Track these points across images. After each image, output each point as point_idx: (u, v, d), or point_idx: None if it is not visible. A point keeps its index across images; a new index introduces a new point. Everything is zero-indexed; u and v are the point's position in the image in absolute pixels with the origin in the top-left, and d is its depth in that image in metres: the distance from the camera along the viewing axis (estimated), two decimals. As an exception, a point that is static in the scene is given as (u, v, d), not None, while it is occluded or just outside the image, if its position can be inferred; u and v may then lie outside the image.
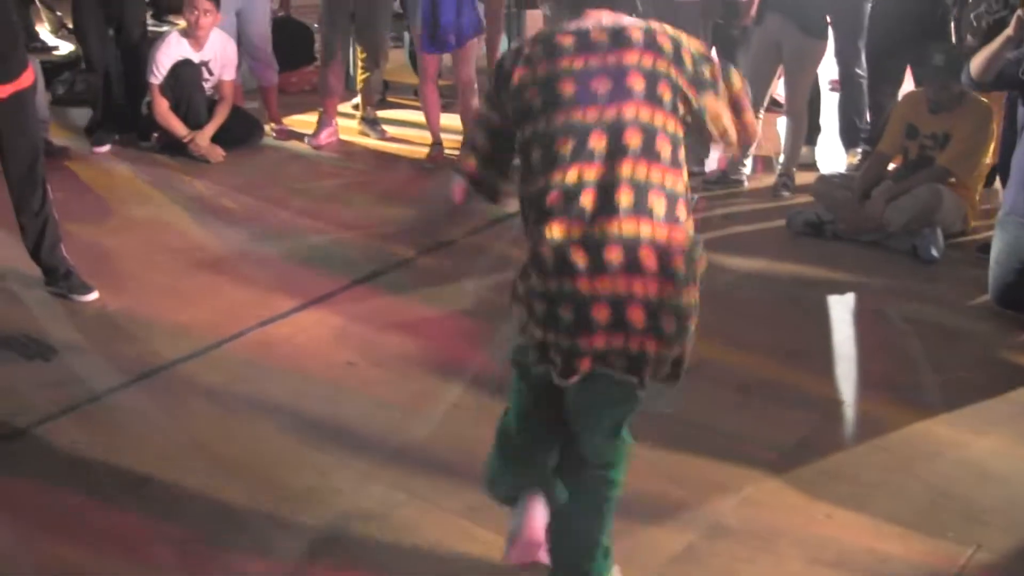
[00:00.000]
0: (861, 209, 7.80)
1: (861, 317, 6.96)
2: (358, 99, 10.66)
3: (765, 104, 8.93)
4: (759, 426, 5.57)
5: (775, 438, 5.45)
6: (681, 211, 3.69)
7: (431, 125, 9.74)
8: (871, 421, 5.66)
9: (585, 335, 3.66)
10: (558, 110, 3.63)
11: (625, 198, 3.57)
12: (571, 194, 3.58)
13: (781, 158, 8.93)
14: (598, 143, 3.59)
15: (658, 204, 3.62)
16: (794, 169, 8.82)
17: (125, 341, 6.44)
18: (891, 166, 8.11)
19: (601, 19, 3.72)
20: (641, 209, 3.59)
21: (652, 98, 3.64)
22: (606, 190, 3.57)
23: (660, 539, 4.73)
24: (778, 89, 9.37)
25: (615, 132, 3.59)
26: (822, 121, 9.64)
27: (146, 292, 7.02)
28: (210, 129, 9.64)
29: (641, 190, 3.59)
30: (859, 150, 9.22)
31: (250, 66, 10.51)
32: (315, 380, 6.00)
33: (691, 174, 8.72)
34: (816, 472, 5.18)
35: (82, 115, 10.33)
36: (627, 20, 3.75)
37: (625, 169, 3.58)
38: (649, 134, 3.62)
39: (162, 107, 9.55)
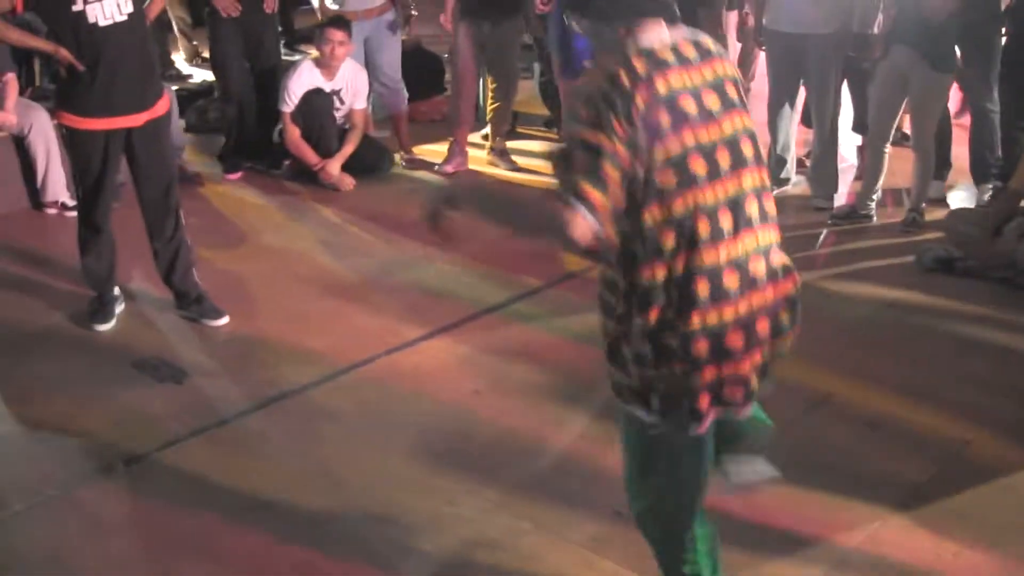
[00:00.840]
0: (992, 245, 7.69)
1: (991, 355, 6.85)
2: (488, 129, 10.68)
3: (892, 137, 8.85)
4: (887, 462, 5.50)
5: (903, 475, 5.38)
6: None
7: None
8: (1001, 462, 5.56)
9: (752, 353, 3.63)
10: (684, 129, 3.47)
11: (754, 209, 3.56)
12: (714, 217, 3.49)
13: (911, 193, 8.82)
14: (724, 159, 3.52)
15: (770, 206, 3.65)
16: (923, 204, 8.71)
17: (254, 366, 6.50)
18: (1023, 203, 8.00)
19: (663, 30, 3.60)
20: (765, 216, 3.62)
21: (742, 104, 3.64)
22: (738, 205, 3.53)
23: (785, 574, 4.69)
24: (907, 123, 9.28)
25: (734, 145, 3.55)
26: (952, 155, 9.53)
27: (275, 318, 7.09)
28: (340, 157, 9.71)
29: (760, 197, 3.60)
30: (990, 186, 9.09)
31: (380, 93, 10.59)
32: (442, 408, 6.02)
33: (819, 209, 8.73)
34: (944, 511, 5.10)
35: (215, 142, 10.45)
36: (687, 30, 3.68)
37: (747, 180, 3.56)
38: (753, 140, 3.62)
39: (293, 135, 9.64)
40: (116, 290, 7.13)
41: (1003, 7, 9.25)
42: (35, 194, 9.07)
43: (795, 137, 9.48)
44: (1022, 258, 7.52)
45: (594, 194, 3.36)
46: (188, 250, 6.99)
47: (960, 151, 9.49)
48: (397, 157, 10.43)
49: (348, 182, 9.66)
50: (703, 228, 3.46)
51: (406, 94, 10.60)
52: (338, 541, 4.91)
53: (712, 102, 3.53)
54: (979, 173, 9.29)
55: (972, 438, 5.85)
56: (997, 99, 9.03)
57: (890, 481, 5.31)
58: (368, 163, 9.94)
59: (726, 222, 3.49)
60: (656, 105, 3.41)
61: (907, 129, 9.40)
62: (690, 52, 3.57)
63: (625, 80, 3.42)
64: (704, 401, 3.59)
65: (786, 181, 9.43)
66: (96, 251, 6.95)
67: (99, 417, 5.93)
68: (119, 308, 7.11)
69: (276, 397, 6.11)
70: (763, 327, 3.62)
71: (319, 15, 10.56)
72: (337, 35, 9.54)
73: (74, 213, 7.46)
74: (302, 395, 6.15)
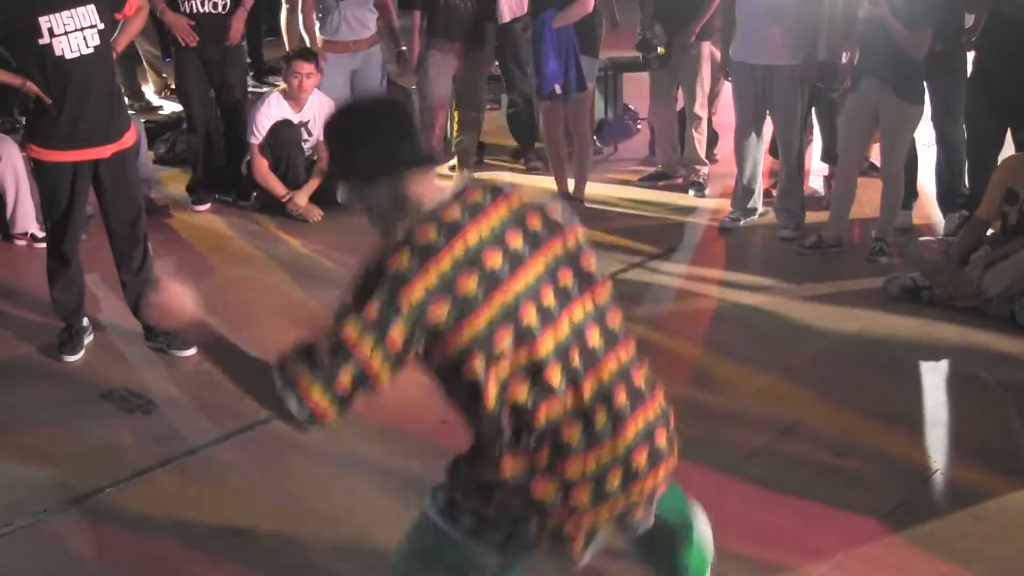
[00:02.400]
0: (959, 275, 7.73)
1: (958, 383, 6.91)
2: (455, 161, 10.72)
3: (861, 168, 8.93)
4: (854, 491, 5.53)
5: (870, 503, 5.41)
6: None
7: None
8: (968, 489, 5.60)
9: (635, 484, 3.51)
10: (493, 292, 3.33)
11: (595, 337, 3.55)
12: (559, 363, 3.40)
13: (878, 222, 8.86)
14: (548, 299, 3.45)
15: (615, 322, 3.72)
16: (890, 233, 8.76)
17: (222, 396, 6.46)
18: (989, 232, 8.04)
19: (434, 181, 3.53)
20: (613, 338, 3.64)
21: (554, 228, 3.64)
22: (580, 339, 3.49)
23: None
24: (874, 153, 9.34)
25: (554, 281, 3.51)
26: (919, 186, 9.58)
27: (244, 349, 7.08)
28: (308, 188, 9.73)
29: (601, 321, 3.63)
30: (957, 215, 9.14)
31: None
32: (409, 438, 6.04)
33: (786, 240, 8.78)
34: (911, 539, 5.14)
35: (183, 174, 10.46)
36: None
37: (577, 313, 3.53)
38: (574, 266, 3.65)
39: (261, 167, 9.67)
40: (85, 321, 7.15)
41: (966, 37, 9.32)
42: (4, 225, 9.06)
43: (762, 168, 9.54)
44: (988, 287, 7.56)
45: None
46: (155, 282, 7.00)
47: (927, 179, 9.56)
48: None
49: (316, 213, 9.68)
50: (551, 378, 3.35)
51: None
52: (306, 572, 4.93)
53: (516, 242, 3.40)
54: (946, 203, 9.34)
55: (939, 466, 5.89)
56: (964, 128, 9.09)
57: (857, 509, 5.34)
58: (336, 194, 9.93)
59: (574, 362, 3.41)
60: (444, 286, 3.26)
61: (875, 159, 9.46)
62: (478, 197, 3.44)
63: (404, 263, 3.30)
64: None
65: (753, 211, 9.49)
66: (65, 282, 6.96)
67: (68, 447, 5.94)
68: (88, 339, 7.12)
69: (244, 428, 6.12)
70: (642, 459, 3.52)
71: (286, 46, 10.59)
72: (305, 67, 9.58)
73: (43, 244, 7.48)
74: (270, 426, 6.12)
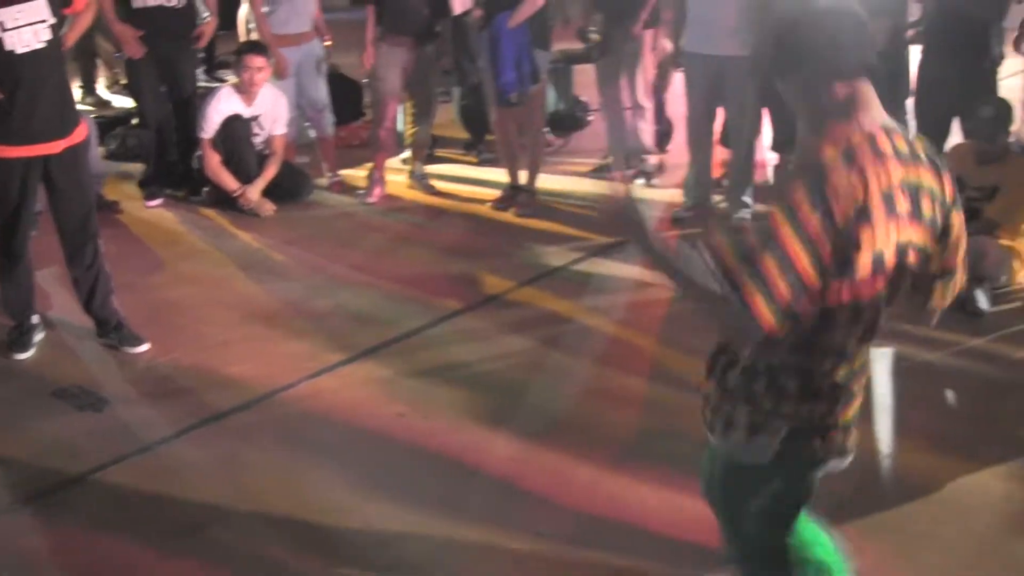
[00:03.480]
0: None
1: (910, 370, 6.93)
2: (407, 154, 10.71)
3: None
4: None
5: (820, 490, 5.42)
6: None
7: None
8: (920, 474, 5.63)
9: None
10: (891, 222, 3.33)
11: None
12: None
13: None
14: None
15: None
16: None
17: (176, 393, 6.49)
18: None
19: (876, 103, 3.45)
20: None
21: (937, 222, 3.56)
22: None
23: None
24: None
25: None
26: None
27: (197, 344, 7.07)
28: (260, 183, 9.72)
29: None
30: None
31: (309, 118, 10.60)
32: (365, 432, 6.02)
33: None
34: (863, 525, 5.14)
35: (135, 170, 10.43)
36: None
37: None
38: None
39: (213, 161, 9.64)
40: (35, 318, 7.09)
41: (910, 33, 9.38)
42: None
43: (712, 157, 9.56)
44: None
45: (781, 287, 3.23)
46: (107, 278, 6.97)
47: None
48: (323, 178, 10.46)
49: (268, 208, 9.67)
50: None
51: (333, 118, 10.61)
52: (263, 566, 4.91)
53: (927, 208, 3.41)
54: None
55: (892, 452, 5.92)
56: (911, 119, 9.13)
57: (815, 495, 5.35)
58: (288, 189, 9.94)
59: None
60: (871, 208, 3.25)
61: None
62: (903, 146, 3.38)
63: (841, 179, 3.24)
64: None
65: (705, 201, 9.51)
66: (14, 280, 6.91)
67: (19, 446, 5.89)
68: (38, 337, 7.07)
69: (198, 423, 6.09)
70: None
71: (246, 37, 10.57)
72: (256, 61, 9.56)
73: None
74: (225, 421, 6.13)
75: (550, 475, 5.59)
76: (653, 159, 10.61)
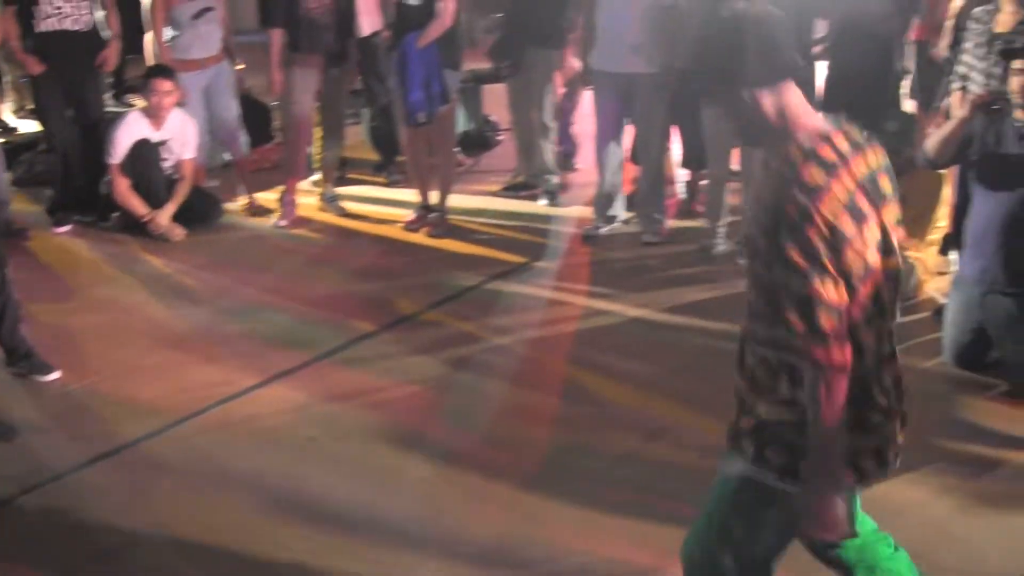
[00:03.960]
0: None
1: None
2: (318, 176, 10.69)
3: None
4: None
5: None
6: None
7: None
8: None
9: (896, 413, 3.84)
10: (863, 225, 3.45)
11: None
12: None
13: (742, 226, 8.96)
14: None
15: None
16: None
17: (87, 420, 6.44)
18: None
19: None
20: None
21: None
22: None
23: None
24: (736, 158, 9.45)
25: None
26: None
27: (109, 371, 7.03)
28: (170, 208, 9.67)
29: None
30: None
31: (221, 141, 10.56)
32: (278, 456, 6.01)
33: (648, 244, 8.85)
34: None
35: (43, 196, 10.35)
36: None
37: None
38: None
39: (121, 187, 9.58)
40: (-58, 348, 7.03)
41: (816, 49, 9.48)
42: None
43: (622, 175, 9.62)
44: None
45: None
46: (16, 305, 6.91)
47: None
48: (238, 202, 10.43)
49: (178, 233, 9.62)
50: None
51: (246, 140, 10.58)
52: (177, 593, 4.91)
53: (885, 185, 3.59)
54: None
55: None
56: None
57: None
58: (198, 213, 9.90)
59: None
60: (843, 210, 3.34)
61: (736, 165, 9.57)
62: (843, 144, 3.47)
63: (818, 179, 3.31)
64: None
65: (615, 219, 9.57)
66: (-79, 309, 6.85)
67: (-75, 478, 5.84)
68: (-54, 366, 7.01)
69: (111, 451, 6.05)
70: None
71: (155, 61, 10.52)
72: (164, 85, 9.52)
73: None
74: (137, 448, 6.10)
75: (466, 495, 5.60)
76: (554, 179, 10.67)
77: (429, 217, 9.85)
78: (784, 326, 3.35)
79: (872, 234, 3.44)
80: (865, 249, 3.39)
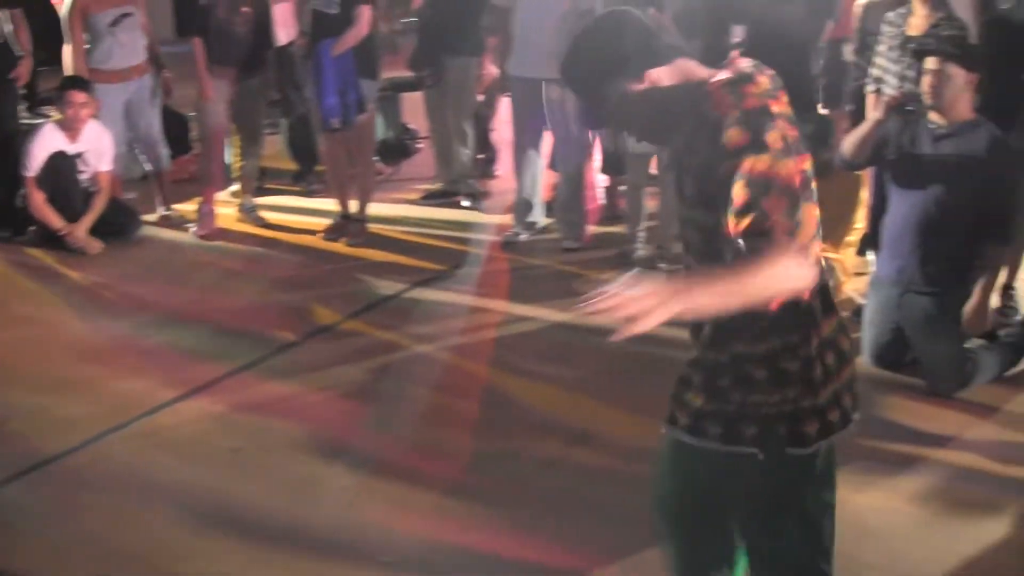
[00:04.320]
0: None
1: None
2: (236, 187, 10.66)
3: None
4: (645, 495, 5.60)
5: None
6: None
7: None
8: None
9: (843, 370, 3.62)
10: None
11: None
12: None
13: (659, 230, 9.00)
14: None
15: None
16: (670, 241, 8.88)
17: (8, 437, 6.40)
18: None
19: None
20: None
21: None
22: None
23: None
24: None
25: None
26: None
27: (28, 387, 6.98)
28: (87, 221, 9.61)
29: None
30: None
31: (142, 154, 10.48)
32: (201, 468, 5.99)
33: (568, 250, 8.87)
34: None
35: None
36: None
37: None
38: None
39: (37, 200, 9.50)
40: None
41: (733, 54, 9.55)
42: None
43: (542, 181, 9.66)
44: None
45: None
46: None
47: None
48: (153, 214, 10.37)
49: (95, 246, 9.56)
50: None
51: (167, 152, 10.53)
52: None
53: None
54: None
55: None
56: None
57: (648, 511, 5.42)
58: (116, 226, 9.84)
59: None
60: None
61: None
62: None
63: (773, 108, 3.35)
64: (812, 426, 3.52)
65: (534, 225, 9.60)
66: None
67: None
68: None
69: (33, 467, 5.99)
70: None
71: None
72: (79, 97, 9.46)
73: None
74: (60, 464, 6.06)
75: (391, 503, 5.61)
76: (475, 184, 10.71)
77: (348, 226, 9.84)
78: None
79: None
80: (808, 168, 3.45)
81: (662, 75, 3.42)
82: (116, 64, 10.01)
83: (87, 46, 9.94)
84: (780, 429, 3.50)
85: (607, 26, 3.54)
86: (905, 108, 6.96)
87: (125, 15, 9.99)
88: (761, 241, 3.18)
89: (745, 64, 3.47)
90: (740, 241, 3.24)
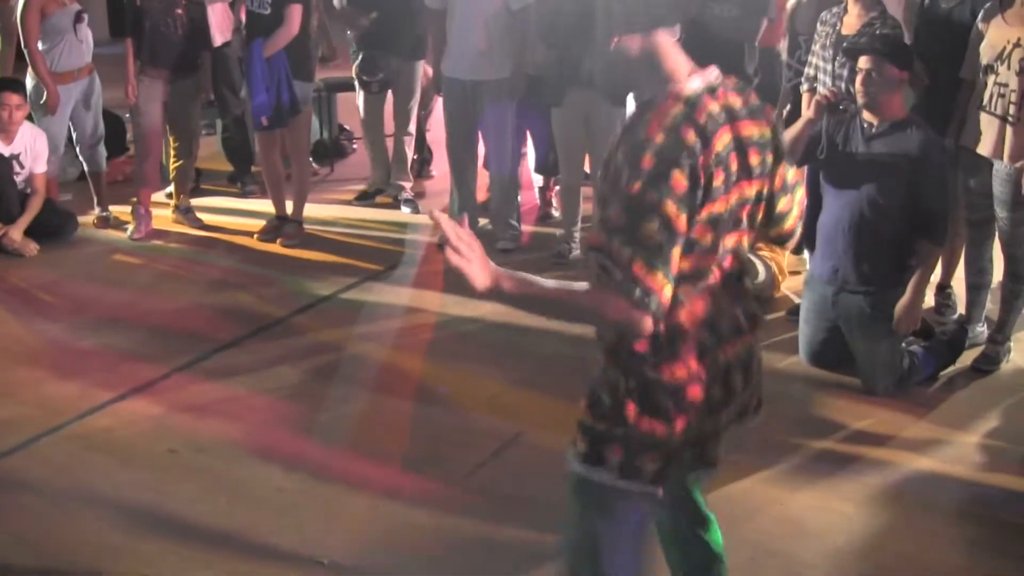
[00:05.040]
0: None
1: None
2: (171, 188, 10.63)
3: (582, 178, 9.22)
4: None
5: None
6: None
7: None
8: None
9: (719, 411, 3.52)
10: (732, 189, 3.33)
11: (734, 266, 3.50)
12: (723, 263, 3.43)
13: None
14: (743, 214, 3.46)
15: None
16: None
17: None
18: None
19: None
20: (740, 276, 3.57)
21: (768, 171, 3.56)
22: (736, 255, 3.50)
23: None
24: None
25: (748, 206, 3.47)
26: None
27: (-37, 389, 6.96)
28: (23, 223, 9.57)
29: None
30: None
31: (81, 153, 10.43)
32: (137, 470, 5.99)
33: (504, 251, 8.90)
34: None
35: None
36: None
37: (744, 240, 3.50)
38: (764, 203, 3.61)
39: (-28, 202, 9.47)
40: None
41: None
42: None
43: (475, 182, 9.69)
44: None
45: (660, 281, 3.16)
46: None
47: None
48: (89, 215, 10.34)
49: (31, 248, 9.52)
50: (718, 273, 3.41)
51: (105, 153, 10.49)
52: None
53: (755, 160, 3.40)
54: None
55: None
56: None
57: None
58: (52, 227, 9.81)
59: (719, 273, 3.42)
60: (715, 164, 3.23)
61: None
62: (736, 102, 3.39)
63: (691, 137, 3.20)
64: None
65: (473, 227, 9.62)
66: None
67: None
68: None
69: (-33, 470, 6.00)
70: (736, 381, 3.54)
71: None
72: (14, 99, 9.44)
73: None
74: (-7, 466, 6.06)
75: (328, 503, 5.65)
76: (409, 186, 10.76)
77: (284, 227, 9.84)
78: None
79: (738, 199, 3.36)
80: (724, 210, 3.30)
81: (631, 45, 3.36)
82: (74, 63, 9.99)
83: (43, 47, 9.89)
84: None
85: None
86: (837, 107, 7.03)
87: (82, 12, 9.98)
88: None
89: (709, 79, 3.36)
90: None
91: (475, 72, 9.05)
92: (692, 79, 3.32)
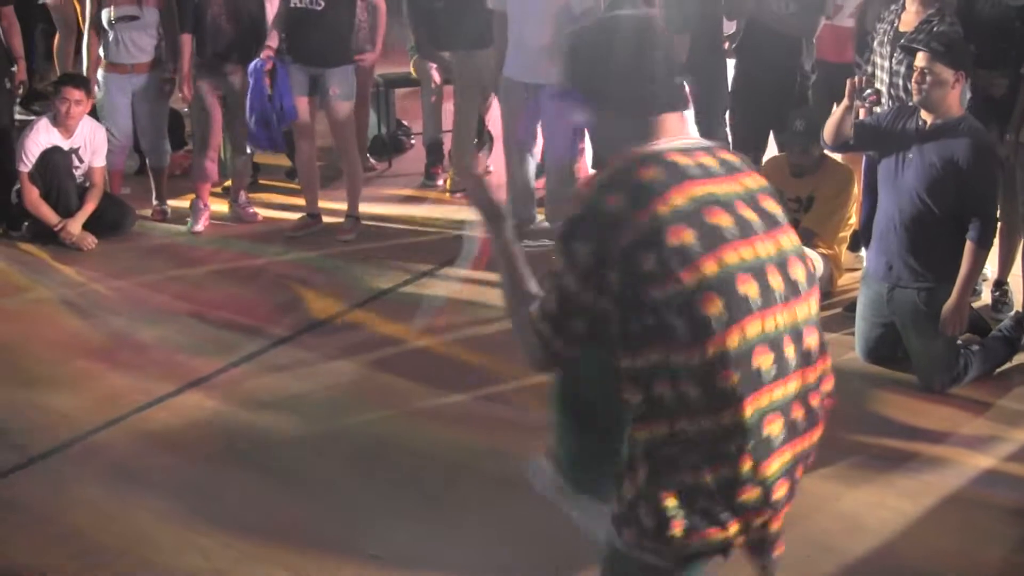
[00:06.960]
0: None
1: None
2: (229, 183, 10.64)
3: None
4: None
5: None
6: None
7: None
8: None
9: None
10: (721, 246, 3.06)
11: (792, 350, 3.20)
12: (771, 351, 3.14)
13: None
14: (776, 282, 3.16)
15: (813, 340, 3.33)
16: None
17: (1, 434, 6.39)
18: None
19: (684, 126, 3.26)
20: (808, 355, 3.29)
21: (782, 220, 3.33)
22: (796, 336, 3.22)
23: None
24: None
25: (783, 267, 3.20)
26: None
27: (22, 383, 6.96)
28: (81, 216, 9.60)
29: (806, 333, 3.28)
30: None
31: (144, 147, 10.47)
32: (194, 463, 5.99)
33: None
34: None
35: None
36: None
37: (801, 311, 3.23)
38: (804, 263, 3.33)
39: (32, 195, 9.50)
40: None
41: (728, 43, 9.59)
42: None
43: (534, 178, 9.66)
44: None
45: (556, 343, 3.23)
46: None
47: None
48: (150, 209, 10.40)
49: (90, 241, 9.55)
50: (757, 364, 3.08)
51: (168, 149, 10.53)
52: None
53: (749, 215, 3.13)
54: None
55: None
56: (728, 133, 9.33)
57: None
58: (110, 221, 9.83)
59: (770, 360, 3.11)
60: (673, 222, 3.00)
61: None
62: (710, 161, 3.18)
63: (619, 203, 3.06)
64: None
65: (531, 220, 9.60)
66: None
67: None
68: None
69: (24, 463, 5.99)
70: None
71: (57, 72, 10.43)
72: (74, 94, 9.46)
73: None
74: (52, 459, 6.05)
75: (385, 497, 5.62)
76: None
77: (343, 222, 9.83)
78: None
79: (747, 254, 3.08)
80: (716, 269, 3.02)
81: (625, 126, 3.29)
82: (121, 59, 10.05)
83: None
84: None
85: (604, 42, 3.33)
86: (864, 93, 7.02)
87: (132, 17, 10.01)
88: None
89: (680, 143, 3.21)
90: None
91: (536, 75, 9.00)
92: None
